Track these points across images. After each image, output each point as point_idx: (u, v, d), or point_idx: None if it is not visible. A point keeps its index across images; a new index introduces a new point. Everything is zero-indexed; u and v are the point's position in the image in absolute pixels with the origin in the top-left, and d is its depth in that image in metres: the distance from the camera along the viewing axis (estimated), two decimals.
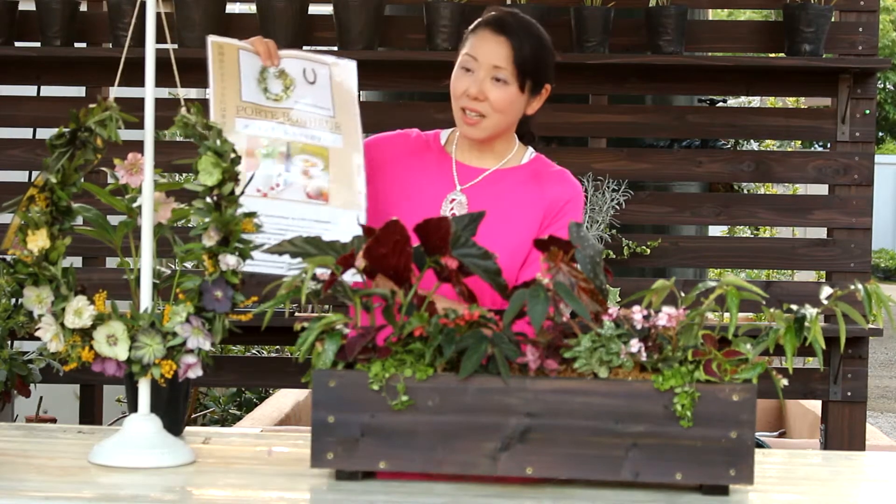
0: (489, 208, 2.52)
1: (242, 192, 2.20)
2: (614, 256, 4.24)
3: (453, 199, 2.65)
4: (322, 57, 2.61)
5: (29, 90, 4.57)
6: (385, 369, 2.01)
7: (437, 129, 2.76)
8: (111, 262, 4.74)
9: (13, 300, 2.23)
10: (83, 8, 4.42)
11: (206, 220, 2.17)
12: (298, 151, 2.59)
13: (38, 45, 4.28)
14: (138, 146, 2.22)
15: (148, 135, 2.21)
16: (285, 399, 5.79)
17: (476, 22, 2.67)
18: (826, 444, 4.27)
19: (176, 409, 2.41)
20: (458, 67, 2.63)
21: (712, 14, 6.64)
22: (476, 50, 2.60)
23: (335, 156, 2.60)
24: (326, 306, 4.02)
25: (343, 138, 2.60)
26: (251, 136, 2.58)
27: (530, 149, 2.73)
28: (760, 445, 4.00)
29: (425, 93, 4.49)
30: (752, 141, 5.69)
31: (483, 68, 2.58)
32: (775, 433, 5.86)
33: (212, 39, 2.55)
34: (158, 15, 2.23)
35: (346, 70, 2.59)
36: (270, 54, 2.55)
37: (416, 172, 2.68)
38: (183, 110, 2.19)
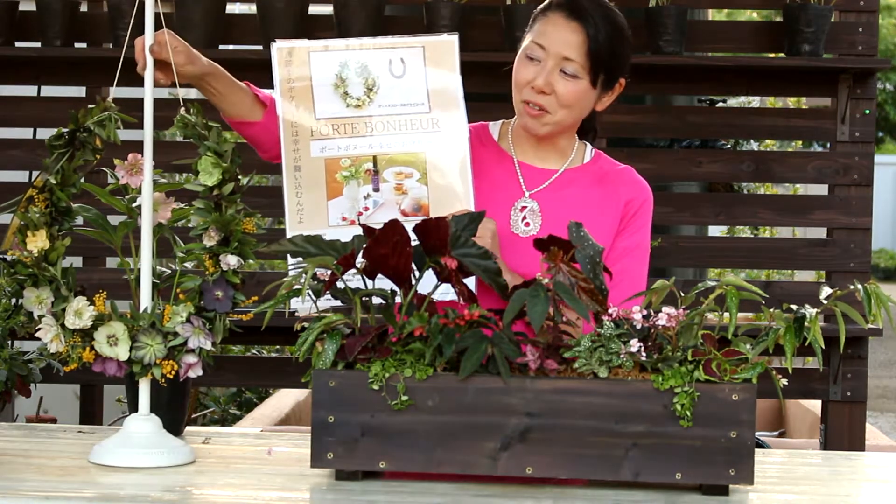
0: (563, 213, 2.40)
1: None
2: None
3: (524, 207, 2.41)
4: (415, 39, 2.32)
5: (29, 90, 4.57)
6: (385, 369, 2.01)
7: None
8: (111, 263, 4.74)
9: (13, 300, 2.23)
10: (83, 8, 4.42)
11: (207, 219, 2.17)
12: (388, 164, 2.30)
13: (38, 45, 4.27)
14: (138, 146, 2.22)
15: (147, 135, 2.21)
16: (285, 399, 5.79)
17: (547, 2, 2.40)
18: (826, 444, 4.27)
19: (176, 409, 2.41)
20: (522, 55, 2.37)
21: (712, 14, 6.64)
22: (545, 37, 2.34)
23: (434, 159, 2.31)
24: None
25: (442, 136, 2.31)
26: (330, 158, 2.30)
27: (588, 145, 2.52)
28: (760, 445, 4.00)
29: None
30: (752, 141, 5.68)
31: (551, 58, 2.33)
32: (775, 433, 5.86)
33: (278, 45, 2.29)
34: (158, 15, 2.23)
35: (444, 48, 2.31)
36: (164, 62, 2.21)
37: (478, 174, 2.39)
38: (182, 111, 2.19)
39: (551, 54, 2.34)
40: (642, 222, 2.46)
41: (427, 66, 2.30)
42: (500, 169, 2.46)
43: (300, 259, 2.24)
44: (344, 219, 2.29)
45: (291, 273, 2.29)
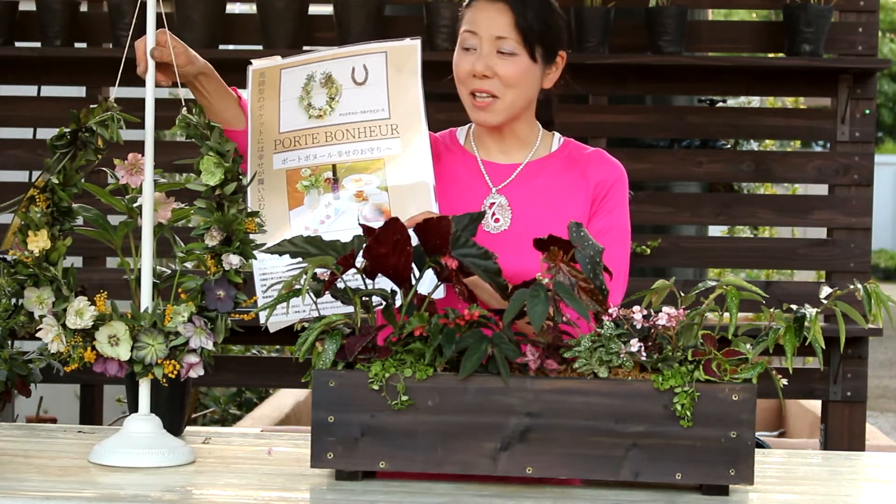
0: (533, 205, 2.41)
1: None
2: None
3: (493, 203, 2.41)
4: (378, 44, 2.34)
5: (29, 90, 4.57)
6: (385, 369, 2.01)
7: (436, 129, 2.50)
8: (111, 263, 4.75)
9: (14, 300, 2.23)
10: (84, 8, 4.42)
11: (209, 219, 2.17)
12: (347, 172, 2.32)
13: (38, 45, 4.28)
14: (138, 146, 2.22)
15: (148, 135, 2.22)
16: (285, 399, 5.80)
17: None
18: (826, 444, 4.27)
19: (176, 409, 2.41)
20: (458, 48, 2.39)
21: (712, 14, 6.64)
22: (474, 24, 2.36)
23: (394, 165, 2.31)
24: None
25: (402, 141, 2.31)
26: (291, 168, 2.32)
27: (556, 134, 2.50)
28: (760, 445, 4.00)
29: (425, 93, 4.48)
30: (752, 141, 5.68)
31: (486, 42, 2.34)
32: (775, 433, 5.86)
33: (253, 68, 2.32)
34: (158, 15, 2.23)
35: (407, 52, 2.32)
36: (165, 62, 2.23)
37: (446, 179, 2.41)
38: (184, 110, 2.20)
39: (484, 38, 2.35)
40: (615, 203, 2.44)
41: (389, 71, 2.31)
42: (466, 170, 2.46)
43: (266, 268, 2.26)
44: (307, 228, 2.30)
45: (257, 278, 2.31)
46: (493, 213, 2.42)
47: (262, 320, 2.15)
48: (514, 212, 2.42)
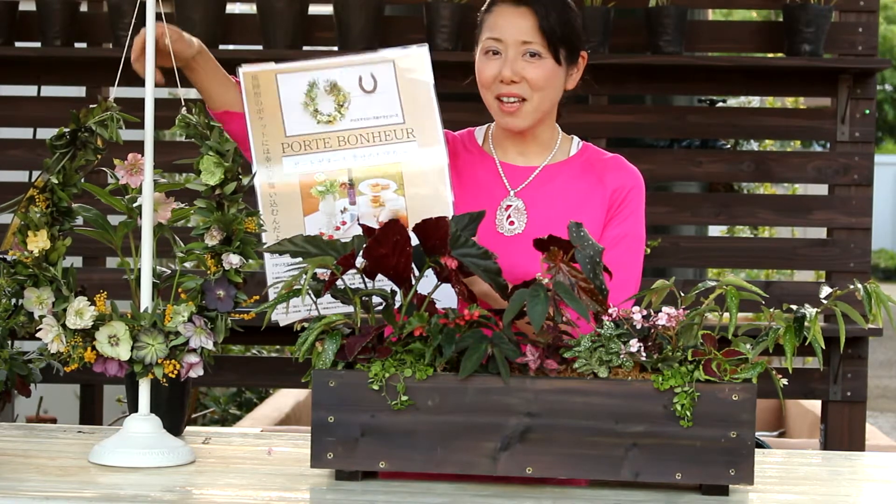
0: (549, 209, 2.41)
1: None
2: None
3: (509, 206, 2.42)
4: (383, 53, 2.32)
5: (29, 90, 4.57)
6: (385, 369, 2.01)
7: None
8: (111, 262, 4.74)
9: (13, 300, 2.23)
10: (83, 8, 4.42)
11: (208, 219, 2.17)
12: (363, 177, 2.29)
13: (38, 45, 4.28)
14: (138, 146, 2.22)
15: (148, 135, 2.21)
16: (285, 399, 5.80)
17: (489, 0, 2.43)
18: (826, 444, 4.27)
19: (176, 409, 2.41)
20: (482, 54, 2.39)
21: (712, 14, 6.65)
22: (498, 30, 2.36)
23: (410, 170, 2.30)
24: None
25: (418, 145, 2.30)
26: (304, 174, 2.30)
27: (575, 138, 2.50)
28: (760, 445, 4.00)
29: None
30: (751, 141, 5.69)
31: (511, 47, 2.35)
32: (775, 433, 5.86)
33: (243, 70, 2.30)
34: (158, 15, 2.23)
35: (416, 60, 2.30)
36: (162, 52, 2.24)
37: (463, 180, 2.41)
38: (184, 110, 2.19)
39: (510, 43, 2.36)
40: (631, 210, 2.45)
41: (399, 79, 2.30)
42: (484, 171, 2.46)
43: (279, 264, 2.25)
44: (322, 234, 2.25)
45: (270, 272, 2.30)
46: (509, 216, 2.42)
47: (273, 317, 2.15)
48: (530, 215, 2.42)
